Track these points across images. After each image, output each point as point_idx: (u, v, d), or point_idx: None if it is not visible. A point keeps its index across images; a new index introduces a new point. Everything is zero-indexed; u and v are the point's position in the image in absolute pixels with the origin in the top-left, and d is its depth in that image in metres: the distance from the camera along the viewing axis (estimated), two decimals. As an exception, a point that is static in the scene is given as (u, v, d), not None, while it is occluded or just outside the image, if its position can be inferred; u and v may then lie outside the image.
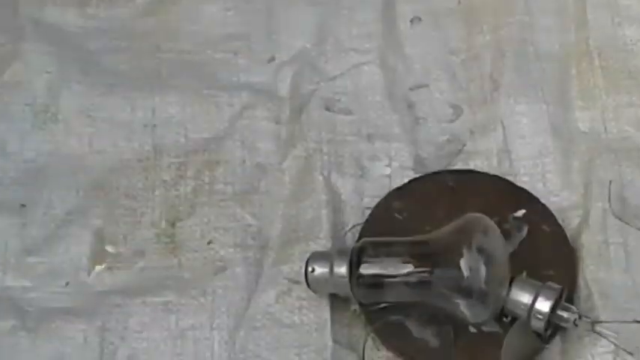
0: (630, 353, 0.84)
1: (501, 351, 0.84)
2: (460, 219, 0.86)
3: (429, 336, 0.88)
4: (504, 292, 0.84)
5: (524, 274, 0.88)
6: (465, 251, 0.83)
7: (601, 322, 0.85)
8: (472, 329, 0.87)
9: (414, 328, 0.88)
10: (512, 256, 0.88)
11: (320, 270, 0.88)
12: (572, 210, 0.96)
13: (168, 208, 0.98)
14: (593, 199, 0.95)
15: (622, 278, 0.91)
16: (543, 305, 0.84)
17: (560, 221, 0.95)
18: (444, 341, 0.87)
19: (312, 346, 0.88)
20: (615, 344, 0.83)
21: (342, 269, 0.87)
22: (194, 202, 0.99)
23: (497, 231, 0.86)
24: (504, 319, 0.86)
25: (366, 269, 0.86)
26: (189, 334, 0.90)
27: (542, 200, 0.96)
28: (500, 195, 0.96)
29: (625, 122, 1.03)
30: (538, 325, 0.84)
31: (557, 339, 0.87)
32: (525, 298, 0.85)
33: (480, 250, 0.83)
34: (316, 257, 0.89)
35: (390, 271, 0.86)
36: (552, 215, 0.94)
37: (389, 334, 0.88)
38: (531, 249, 0.92)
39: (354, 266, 0.86)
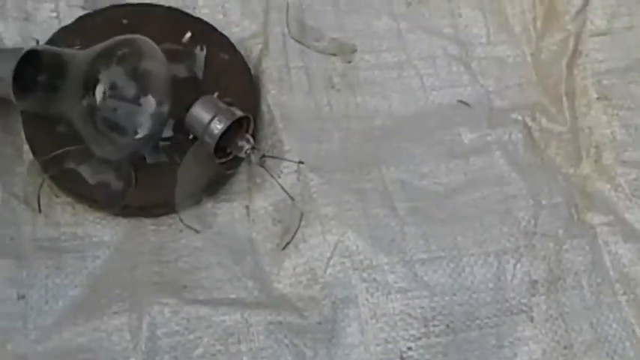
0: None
1: (177, 173, 0.81)
2: (110, 40, 0.80)
3: (110, 177, 0.83)
4: (165, 110, 0.81)
5: (216, 94, 0.85)
6: (104, 73, 0.78)
7: (270, 156, 0.84)
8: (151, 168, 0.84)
9: (91, 172, 0.83)
10: (193, 84, 0.86)
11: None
12: (254, 39, 0.93)
13: None
14: (272, 26, 0.93)
15: (304, 101, 0.91)
16: (217, 126, 0.81)
17: (242, 51, 0.92)
18: (125, 180, 0.83)
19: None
20: (278, 183, 0.83)
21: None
22: None
23: (156, 52, 0.81)
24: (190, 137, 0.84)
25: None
26: None
27: (224, 32, 0.92)
28: (177, 26, 0.90)
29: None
30: (208, 145, 0.82)
31: (245, 165, 0.86)
32: (204, 117, 0.82)
33: (132, 73, 0.79)
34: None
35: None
36: (232, 45, 0.91)
37: (66, 180, 0.83)
38: (212, 78, 0.88)
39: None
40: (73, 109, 0.80)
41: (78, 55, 0.82)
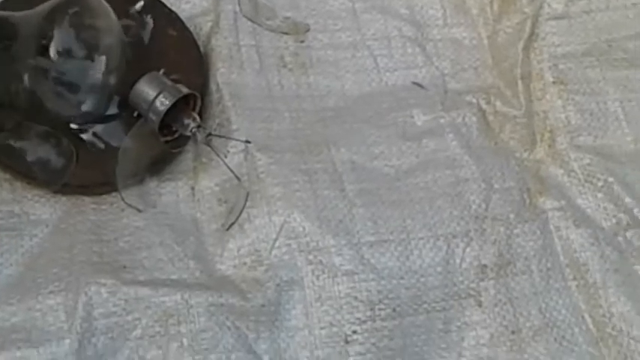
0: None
1: (119, 152, 0.79)
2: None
3: (50, 155, 0.81)
4: (113, 81, 0.79)
5: (162, 71, 0.83)
6: (55, 32, 0.76)
7: (216, 135, 0.82)
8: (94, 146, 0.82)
9: (30, 149, 0.80)
10: (140, 60, 0.83)
11: None
12: (204, 16, 0.91)
13: None
14: (224, 3, 0.91)
15: (254, 80, 0.89)
16: (162, 103, 0.79)
17: (191, 27, 0.90)
18: (66, 158, 0.80)
19: None
20: (224, 162, 0.81)
21: None
22: None
23: (107, 11, 0.79)
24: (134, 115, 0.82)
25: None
26: None
27: (173, 8, 0.90)
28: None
29: None
30: (153, 122, 0.80)
31: (191, 145, 0.84)
32: (149, 93, 0.80)
33: (83, 30, 0.77)
34: None
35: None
36: (181, 21, 0.89)
37: (4, 156, 0.80)
38: (159, 54, 0.86)
39: None
40: (24, 70, 0.78)
41: (27, 16, 0.79)
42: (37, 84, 0.78)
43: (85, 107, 0.79)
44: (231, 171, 0.81)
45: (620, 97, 0.91)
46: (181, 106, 0.81)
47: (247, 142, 0.82)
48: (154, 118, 0.80)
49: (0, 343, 0.70)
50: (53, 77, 0.77)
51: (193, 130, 0.81)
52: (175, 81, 0.82)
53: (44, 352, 0.70)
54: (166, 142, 0.82)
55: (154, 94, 0.80)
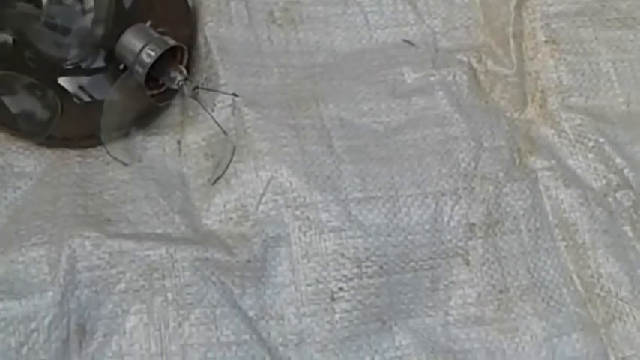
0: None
1: (104, 104, 0.78)
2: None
3: (35, 107, 0.80)
4: (100, 32, 0.78)
5: (149, 23, 0.81)
6: None
7: (204, 88, 0.81)
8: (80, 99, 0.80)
9: (15, 101, 0.79)
10: (127, 13, 0.82)
11: None
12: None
13: None
14: (213, -44, 0.90)
15: (244, 34, 0.87)
16: (148, 55, 0.78)
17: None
18: (51, 110, 0.79)
19: None
20: (211, 116, 0.80)
21: None
22: None
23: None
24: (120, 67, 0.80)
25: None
26: None
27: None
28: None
29: None
30: (139, 75, 0.78)
31: (178, 98, 0.83)
32: (136, 45, 0.78)
33: None
34: None
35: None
36: (169, -27, 0.88)
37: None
38: (145, 7, 0.84)
39: None
40: (13, 16, 0.77)
41: None
42: (26, 28, 0.77)
43: (73, 52, 0.78)
44: (218, 125, 0.80)
45: (613, 58, 0.90)
46: (168, 58, 0.80)
47: (235, 95, 0.81)
48: (140, 70, 0.79)
49: (-18, 295, 0.70)
50: (44, 22, 0.76)
51: (180, 83, 0.79)
52: (162, 34, 0.81)
53: (27, 303, 0.69)
54: (153, 95, 0.80)
55: (141, 46, 0.78)
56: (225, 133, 0.79)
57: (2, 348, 0.68)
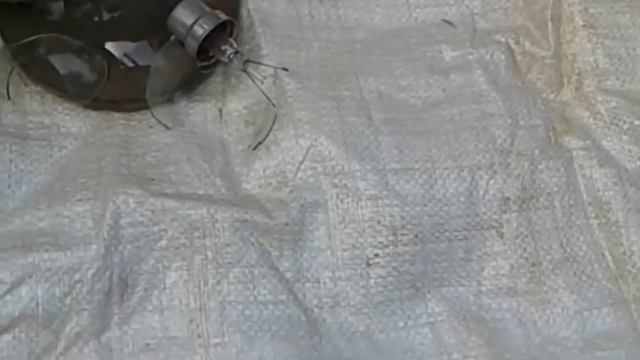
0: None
1: (150, 69, 0.79)
2: None
3: (83, 70, 0.81)
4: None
5: None
6: None
7: (253, 62, 0.83)
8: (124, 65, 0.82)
9: (63, 62, 0.81)
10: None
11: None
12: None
13: None
14: None
15: (285, 9, 0.89)
16: (201, 28, 0.79)
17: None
18: (98, 73, 0.81)
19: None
20: (259, 87, 0.81)
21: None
22: None
23: None
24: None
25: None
26: None
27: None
28: None
29: None
30: (191, 48, 0.80)
31: (221, 67, 0.84)
32: (188, 18, 0.80)
33: None
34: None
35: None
36: (214, -53, 0.90)
37: (37, 68, 0.80)
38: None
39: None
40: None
41: None
42: None
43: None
44: (264, 94, 0.81)
45: (649, 44, 0.91)
46: (218, 32, 0.81)
47: (284, 69, 0.82)
48: (192, 43, 0.80)
49: (27, 245, 0.71)
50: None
51: (231, 56, 0.81)
52: (210, 6, 0.83)
53: (71, 255, 0.71)
54: (202, 67, 0.82)
55: (193, 19, 0.80)
56: (271, 101, 0.81)
57: (47, 297, 0.70)
